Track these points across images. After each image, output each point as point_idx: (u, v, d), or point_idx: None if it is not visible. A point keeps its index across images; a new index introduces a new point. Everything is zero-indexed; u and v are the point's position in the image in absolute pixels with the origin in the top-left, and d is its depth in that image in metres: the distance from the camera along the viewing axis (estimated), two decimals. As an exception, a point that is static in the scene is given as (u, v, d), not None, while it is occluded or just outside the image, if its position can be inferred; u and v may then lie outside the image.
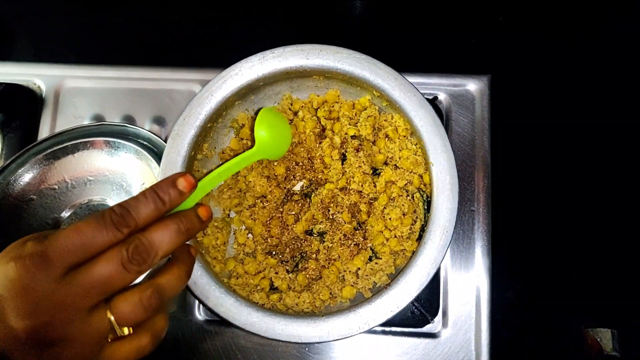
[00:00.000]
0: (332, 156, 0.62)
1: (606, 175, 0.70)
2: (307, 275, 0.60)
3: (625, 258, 0.67)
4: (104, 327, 0.35)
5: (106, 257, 0.35)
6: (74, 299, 0.34)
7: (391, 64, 0.60)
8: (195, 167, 0.62)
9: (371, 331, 0.64)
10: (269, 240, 0.62)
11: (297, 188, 0.64)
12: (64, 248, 0.33)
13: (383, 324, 0.54)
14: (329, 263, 0.61)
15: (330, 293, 0.60)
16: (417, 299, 0.55)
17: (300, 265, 0.61)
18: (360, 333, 0.54)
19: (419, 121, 0.58)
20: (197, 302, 0.66)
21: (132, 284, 0.36)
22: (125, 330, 0.36)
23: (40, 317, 0.33)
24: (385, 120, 0.63)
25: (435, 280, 0.64)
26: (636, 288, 0.66)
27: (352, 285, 0.60)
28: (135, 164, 0.65)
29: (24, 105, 0.73)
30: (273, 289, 0.61)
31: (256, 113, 0.63)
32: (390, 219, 0.60)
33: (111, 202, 0.66)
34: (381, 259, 0.60)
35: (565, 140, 0.71)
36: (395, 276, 0.57)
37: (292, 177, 0.64)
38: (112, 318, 0.35)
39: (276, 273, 0.61)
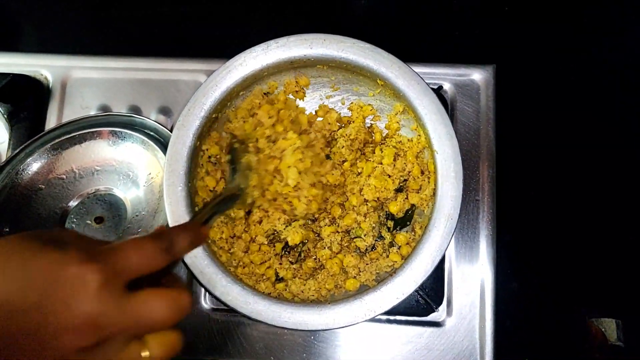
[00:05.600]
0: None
1: (611, 166, 0.70)
2: (311, 265, 0.61)
3: (629, 249, 0.67)
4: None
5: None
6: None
7: (396, 54, 0.60)
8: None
9: (376, 320, 0.64)
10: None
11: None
12: (128, 266, 0.32)
13: (388, 313, 0.55)
14: (331, 257, 0.61)
15: (335, 284, 0.60)
16: (422, 287, 0.56)
17: (303, 255, 0.62)
18: (366, 320, 0.54)
19: (422, 109, 0.58)
20: (203, 290, 0.66)
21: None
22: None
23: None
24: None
25: (439, 269, 0.64)
26: (641, 278, 0.66)
27: (354, 278, 0.60)
28: (142, 154, 0.66)
29: (31, 96, 0.73)
30: (279, 279, 0.61)
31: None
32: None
33: (118, 192, 0.67)
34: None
35: (570, 130, 0.71)
36: (399, 265, 0.57)
37: None
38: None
39: (280, 264, 0.61)
